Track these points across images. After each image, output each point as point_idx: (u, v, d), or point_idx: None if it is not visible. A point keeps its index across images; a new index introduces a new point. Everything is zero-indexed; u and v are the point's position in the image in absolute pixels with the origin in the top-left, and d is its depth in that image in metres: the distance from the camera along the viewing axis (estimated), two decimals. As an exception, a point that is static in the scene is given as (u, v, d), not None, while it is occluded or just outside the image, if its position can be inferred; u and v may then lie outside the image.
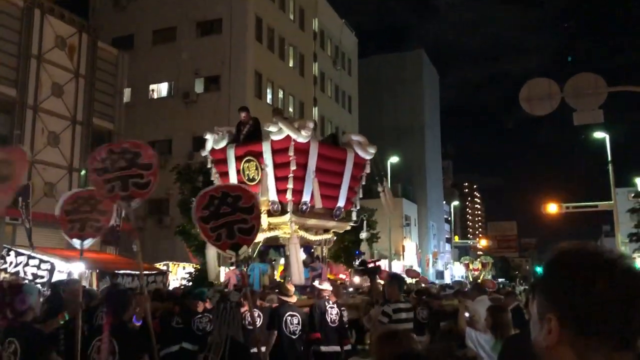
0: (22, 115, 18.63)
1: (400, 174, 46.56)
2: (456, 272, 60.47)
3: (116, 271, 14.41)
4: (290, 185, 9.80)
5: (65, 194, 5.62)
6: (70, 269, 14.38)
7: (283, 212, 10.04)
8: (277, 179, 9.98)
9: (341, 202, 11.02)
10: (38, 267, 13.50)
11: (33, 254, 14.09)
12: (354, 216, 12.03)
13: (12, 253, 13.97)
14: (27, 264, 13.51)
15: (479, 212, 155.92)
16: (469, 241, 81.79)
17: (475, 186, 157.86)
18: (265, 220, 9.98)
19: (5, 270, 14.02)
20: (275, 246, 10.99)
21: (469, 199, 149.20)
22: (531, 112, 13.17)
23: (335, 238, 11.99)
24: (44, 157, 19.31)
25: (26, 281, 12.61)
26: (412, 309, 6.69)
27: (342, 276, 28.48)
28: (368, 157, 11.36)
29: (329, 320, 7.55)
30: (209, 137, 11.01)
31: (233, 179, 10.54)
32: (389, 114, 57.26)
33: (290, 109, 33.51)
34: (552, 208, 27.24)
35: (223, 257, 11.17)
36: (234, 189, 5.11)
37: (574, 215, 30.21)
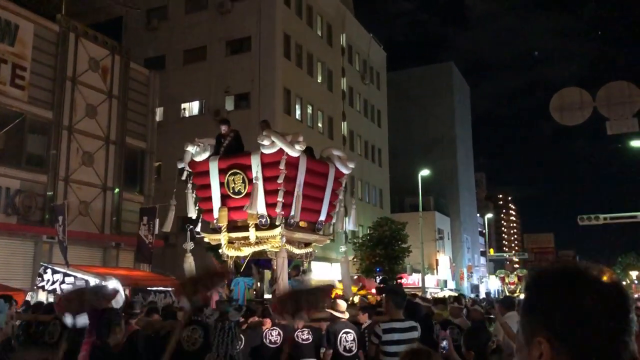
0: (57, 136, 19.13)
1: (432, 187, 46.12)
2: (491, 285, 59.36)
3: (148, 288, 14.59)
4: (280, 199, 9.67)
5: None
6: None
7: (271, 226, 9.93)
8: (266, 192, 9.86)
9: (322, 216, 11.00)
10: (73, 284, 13.76)
11: (69, 272, 14.39)
12: (331, 229, 11.93)
13: (49, 271, 14.30)
14: (63, 282, 13.81)
15: (515, 225, 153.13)
16: (504, 254, 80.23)
17: (509, 198, 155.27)
18: (253, 234, 9.94)
19: (43, 287, 14.36)
20: (256, 260, 10.77)
21: (504, 211, 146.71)
22: (562, 122, 12.93)
23: (316, 251, 11.81)
24: (79, 177, 19.75)
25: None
26: (414, 329, 5.72)
27: (374, 291, 28.27)
28: (347, 172, 11.31)
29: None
30: (189, 148, 10.77)
31: (216, 191, 10.42)
32: (419, 127, 56.95)
33: (319, 124, 33.63)
34: (589, 219, 26.58)
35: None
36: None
37: (613, 226, 29.38)
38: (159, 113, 25.86)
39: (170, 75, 29.07)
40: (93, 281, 14.02)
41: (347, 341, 7.00)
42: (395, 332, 5.59)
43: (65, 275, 13.98)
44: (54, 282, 13.70)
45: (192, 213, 11.02)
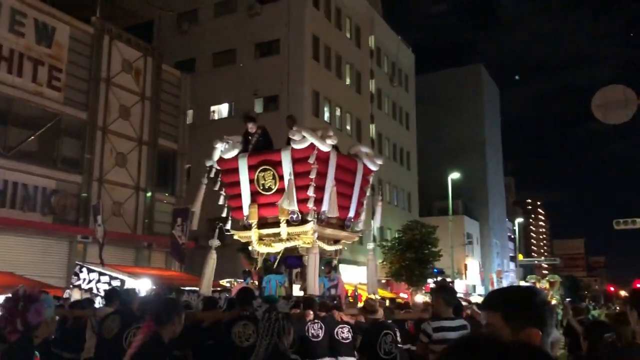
0: (92, 137, 19.36)
1: (461, 191, 45.55)
2: (521, 291, 58.18)
3: (181, 287, 14.57)
4: (311, 194, 9.50)
5: None
6: (138, 285, 14.68)
7: (302, 221, 9.78)
8: (297, 188, 9.63)
9: (351, 213, 10.79)
10: (109, 283, 13.81)
11: (103, 271, 14.46)
12: (359, 227, 11.66)
13: (84, 270, 14.37)
14: (99, 281, 13.85)
15: (544, 230, 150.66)
16: (534, 259, 78.80)
17: (539, 203, 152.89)
18: (284, 229, 9.81)
19: (79, 286, 14.45)
20: (285, 257, 10.60)
21: (533, 216, 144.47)
22: (605, 120, 12.51)
23: (345, 248, 11.62)
24: (113, 177, 19.94)
25: (98, 298, 12.92)
26: (464, 327, 5.43)
27: (403, 295, 27.96)
28: (375, 169, 11.14)
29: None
30: (218, 145, 10.62)
31: (245, 188, 10.27)
32: (448, 131, 56.35)
33: (348, 127, 33.49)
34: (626, 224, 25.89)
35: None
36: None
37: (649, 231, 28.55)
38: (189, 115, 26.00)
39: (200, 78, 29.24)
40: (128, 281, 14.08)
41: (386, 343, 6.61)
42: (445, 331, 5.32)
43: (101, 274, 14.03)
44: (90, 281, 13.77)
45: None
